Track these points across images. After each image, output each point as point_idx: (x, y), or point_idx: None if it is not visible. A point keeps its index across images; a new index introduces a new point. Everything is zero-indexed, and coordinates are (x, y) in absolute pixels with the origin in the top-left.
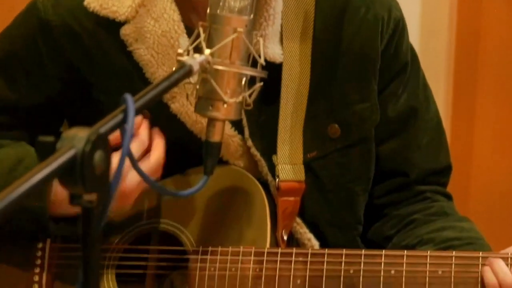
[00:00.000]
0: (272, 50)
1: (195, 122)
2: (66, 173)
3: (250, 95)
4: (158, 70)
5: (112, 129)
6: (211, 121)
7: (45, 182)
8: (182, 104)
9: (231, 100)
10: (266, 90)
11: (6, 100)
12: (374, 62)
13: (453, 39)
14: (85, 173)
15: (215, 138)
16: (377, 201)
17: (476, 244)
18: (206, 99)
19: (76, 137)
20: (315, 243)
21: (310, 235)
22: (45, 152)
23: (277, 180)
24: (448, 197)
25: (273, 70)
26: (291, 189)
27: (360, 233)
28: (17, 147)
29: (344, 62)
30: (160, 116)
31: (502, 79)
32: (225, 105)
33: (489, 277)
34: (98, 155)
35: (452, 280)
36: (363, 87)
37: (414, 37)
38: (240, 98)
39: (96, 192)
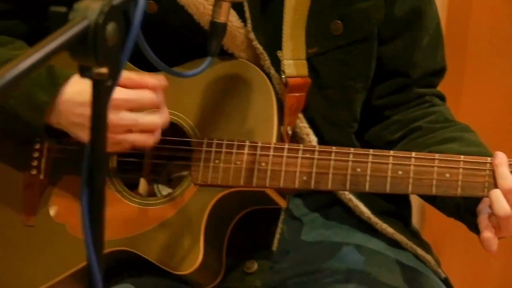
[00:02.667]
0: None
1: (203, 13)
2: (78, 45)
3: None
4: None
5: (124, 2)
6: (218, 1)
7: (57, 52)
8: None
9: None
10: None
11: None
12: None
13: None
14: (97, 45)
15: (221, 18)
16: (378, 102)
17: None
18: None
19: (89, 8)
20: (313, 138)
21: (309, 130)
22: (57, 22)
23: (283, 76)
24: (443, 98)
25: None
26: (298, 84)
27: (355, 131)
28: (13, 49)
29: None
30: (168, 7)
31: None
32: None
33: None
34: (110, 27)
35: (459, 184)
36: None
37: None
38: None
39: (107, 65)
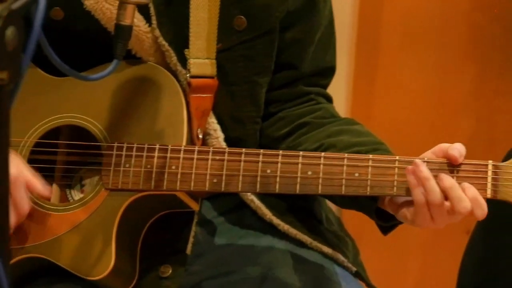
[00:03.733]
0: None
1: (110, 19)
2: None
3: None
4: None
5: (24, 6)
6: (122, 4)
7: None
8: (96, 0)
9: None
10: None
11: None
12: None
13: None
14: None
15: (126, 21)
16: (266, 95)
17: (381, 150)
18: None
19: None
20: (220, 135)
21: (217, 126)
22: None
23: (187, 75)
24: (329, 99)
25: None
26: (205, 85)
27: (260, 127)
28: None
29: None
30: (74, 13)
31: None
32: None
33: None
34: (10, 31)
35: (369, 183)
36: None
37: None
38: None
39: (7, 69)
